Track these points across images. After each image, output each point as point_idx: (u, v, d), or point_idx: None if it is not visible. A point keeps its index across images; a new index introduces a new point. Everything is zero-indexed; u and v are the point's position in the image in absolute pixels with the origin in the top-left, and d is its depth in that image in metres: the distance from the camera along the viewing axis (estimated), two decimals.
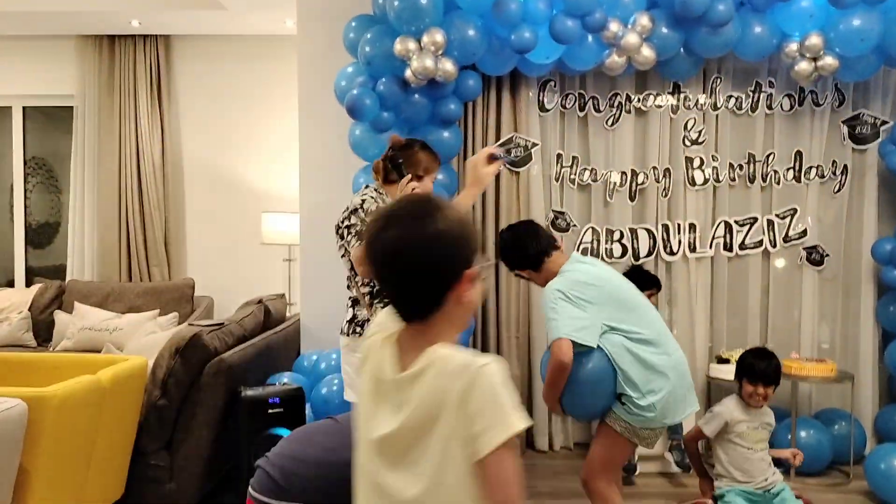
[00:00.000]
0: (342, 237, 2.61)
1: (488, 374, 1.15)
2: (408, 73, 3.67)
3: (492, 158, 2.05)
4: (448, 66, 3.68)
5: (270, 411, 3.02)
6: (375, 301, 2.60)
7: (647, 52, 3.82)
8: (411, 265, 1.20)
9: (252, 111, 5.50)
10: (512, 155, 4.16)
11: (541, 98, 4.32)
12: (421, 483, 1.19)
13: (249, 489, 1.95)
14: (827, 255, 4.28)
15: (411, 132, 3.91)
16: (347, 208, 2.66)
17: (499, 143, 4.29)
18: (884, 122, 4.22)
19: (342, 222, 2.62)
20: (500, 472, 1.14)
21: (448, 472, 1.17)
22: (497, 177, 4.30)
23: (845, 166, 4.27)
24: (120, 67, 5.51)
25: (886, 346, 4.17)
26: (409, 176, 2.59)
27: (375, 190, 2.74)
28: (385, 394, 1.25)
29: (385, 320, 1.33)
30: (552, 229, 4.38)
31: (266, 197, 5.49)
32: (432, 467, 1.18)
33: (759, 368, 3.13)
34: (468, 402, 1.14)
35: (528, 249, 2.71)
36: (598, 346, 2.53)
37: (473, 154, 4.23)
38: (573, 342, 2.47)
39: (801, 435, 3.85)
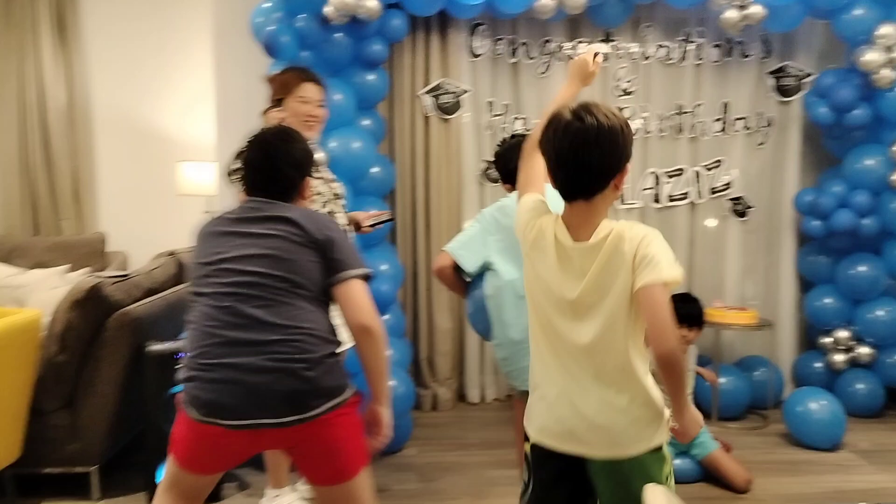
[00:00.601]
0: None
1: (655, 235, 1.52)
2: (328, 10, 3.48)
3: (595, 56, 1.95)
4: (370, 3, 3.50)
5: (179, 366, 2.84)
6: None
7: None
8: (605, 148, 1.48)
9: (166, 52, 5.16)
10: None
11: (471, 42, 4.18)
12: (596, 331, 1.52)
13: (193, 415, 1.79)
14: (750, 207, 4.33)
15: (334, 73, 3.74)
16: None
17: (427, 88, 4.14)
18: (807, 75, 4.25)
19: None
20: (654, 300, 1.47)
21: (618, 320, 1.51)
22: (426, 124, 4.18)
23: (770, 118, 4.30)
24: (18, 1, 5.08)
25: (805, 295, 4.28)
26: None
27: None
28: (569, 259, 1.55)
29: (533, 206, 1.65)
30: (484, 179, 4.29)
31: (182, 145, 5.19)
32: (608, 318, 1.51)
33: (682, 311, 3.15)
34: (637, 254, 1.49)
35: (509, 163, 2.52)
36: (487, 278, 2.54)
37: (400, 99, 4.14)
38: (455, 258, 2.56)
39: (721, 381, 3.92)
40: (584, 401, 1.55)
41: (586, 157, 1.49)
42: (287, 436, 1.77)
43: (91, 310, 2.83)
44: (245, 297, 1.76)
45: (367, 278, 1.88)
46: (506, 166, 2.57)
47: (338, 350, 1.85)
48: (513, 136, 2.69)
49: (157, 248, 4.49)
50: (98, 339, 2.87)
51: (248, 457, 1.88)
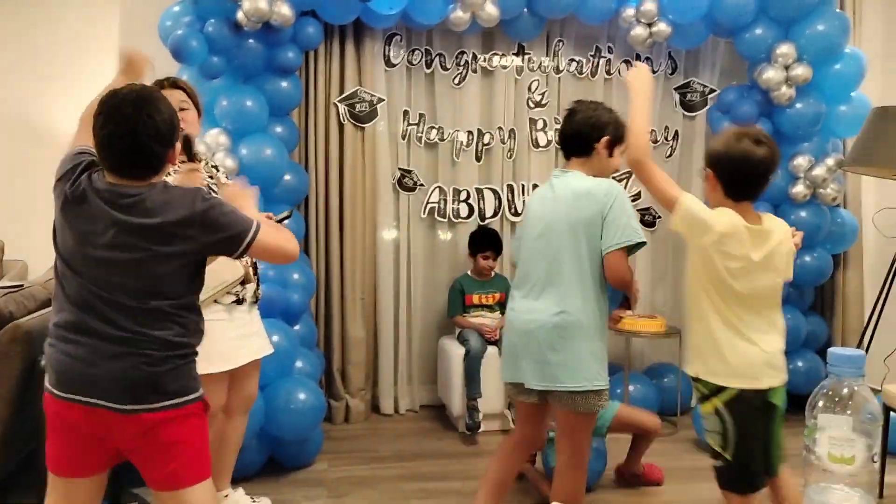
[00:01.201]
0: None
1: None
2: (240, 15, 3.41)
3: None
4: (284, 9, 3.45)
5: None
6: None
7: (491, 9, 3.78)
8: (777, 167, 2.08)
9: (69, 52, 4.94)
10: None
11: (386, 52, 4.17)
12: (777, 285, 2.11)
13: (46, 382, 1.81)
14: (658, 217, 4.46)
15: (246, 79, 3.68)
16: None
17: (342, 96, 4.10)
18: (711, 91, 4.43)
19: None
20: None
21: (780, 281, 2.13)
22: (340, 132, 4.13)
23: (676, 132, 4.45)
24: None
25: None
26: None
27: None
28: (755, 239, 2.04)
29: (703, 205, 2.08)
30: (399, 188, 4.28)
31: None
32: (778, 280, 2.10)
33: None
34: (790, 245, 2.13)
35: (594, 135, 2.45)
36: None
37: (314, 107, 4.08)
38: None
39: (630, 389, 4.01)
40: (775, 341, 2.07)
41: (768, 175, 2.05)
42: (127, 426, 1.75)
43: None
44: (104, 300, 1.75)
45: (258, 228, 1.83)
46: (589, 136, 2.44)
47: (189, 354, 1.84)
48: (579, 103, 2.52)
49: None
50: None
51: (104, 456, 1.82)
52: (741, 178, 2.04)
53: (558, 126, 4.27)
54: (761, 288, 2.05)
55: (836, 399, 1.18)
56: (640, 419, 3.28)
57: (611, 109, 2.49)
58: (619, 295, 2.50)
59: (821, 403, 1.18)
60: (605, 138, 2.43)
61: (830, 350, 1.24)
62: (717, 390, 2.04)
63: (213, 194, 2.01)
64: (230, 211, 1.82)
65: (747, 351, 2.02)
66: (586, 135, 2.44)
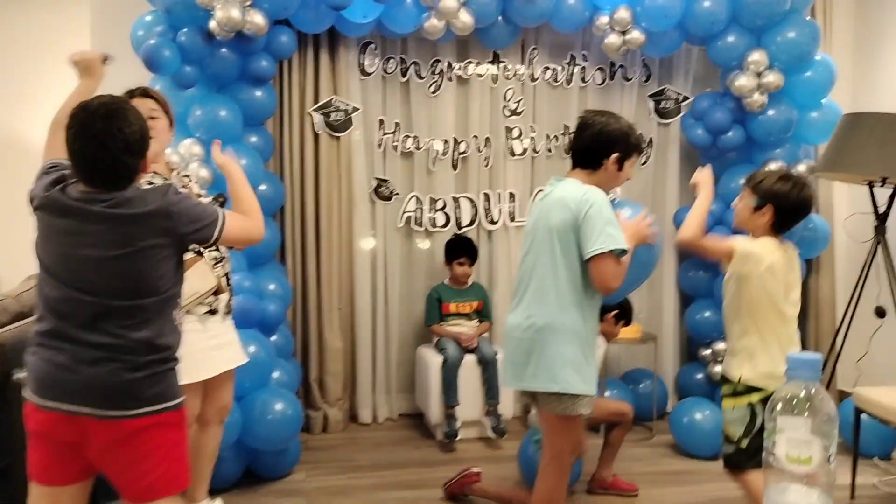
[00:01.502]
0: None
1: None
2: (212, 25, 3.40)
3: None
4: (257, 18, 3.45)
5: None
6: None
7: (466, 18, 3.79)
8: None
9: (39, 63, 4.90)
10: None
11: (361, 61, 4.17)
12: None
13: (27, 391, 1.84)
14: None
15: (220, 88, 3.67)
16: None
17: (317, 105, 4.09)
18: (685, 98, 4.47)
19: None
20: None
21: None
22: (316, 142, 4.12)
23: (651, 139, 4.49)
24: None
25: (686, 309, 4.46)
26: None
27: None
28: (787, 264, 2.47)
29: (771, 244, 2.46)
30: (375, 197, 4.28)
31: None
32: None
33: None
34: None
35: (607, 149, 2.44)
36: None
37: (289, 116, 4.08)
38: None
39: (606, 395, 4.03)
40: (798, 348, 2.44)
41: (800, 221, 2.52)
42: (105, 433, 1.77)
43: None
44: (86, 304, 1.77)
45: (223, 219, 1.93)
46: (598, 152, 2.42)
47: (169, 358, 1.86)
48: (591, 114, 2.48)
49: (31, 269, 4.24)
50: None
51: (82, 464, 1.83)
52: (796, 218, 2.48)
53: (534, 134, 4.35)
54: (795, 302, 2.50)
55: (795, 402, 1.19)
56: (613, 405, 3.35)
57: (621, 121, 2.45)
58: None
59: (779, 406, 1.20)
60: (614, 155, 2.42)
61: (788, 354, 1.26)
62: (755, 389, 2.41)
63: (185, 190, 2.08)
64: (200, 203, 1.92)
65: (780, 356, 2.38)
66: (596, 151, 2.43)
